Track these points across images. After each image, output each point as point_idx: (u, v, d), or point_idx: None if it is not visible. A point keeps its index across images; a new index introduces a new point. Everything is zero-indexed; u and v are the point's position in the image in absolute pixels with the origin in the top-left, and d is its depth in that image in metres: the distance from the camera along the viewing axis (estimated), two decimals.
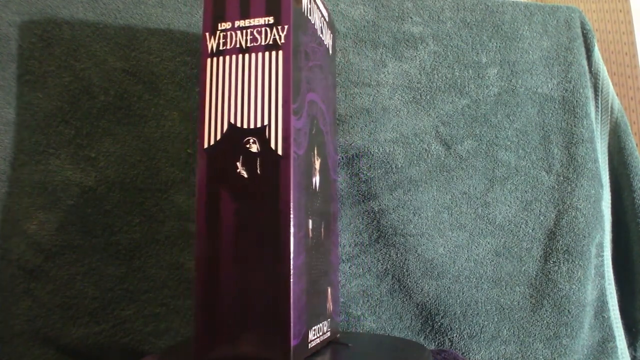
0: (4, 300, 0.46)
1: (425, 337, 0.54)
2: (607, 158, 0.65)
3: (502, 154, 0.59)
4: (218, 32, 0.37)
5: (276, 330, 0.32)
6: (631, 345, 0.61)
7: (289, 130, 0.35)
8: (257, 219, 0.34)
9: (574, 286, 0.57)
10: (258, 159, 0.35)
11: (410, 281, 0.54)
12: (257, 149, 0.35)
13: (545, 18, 0.65)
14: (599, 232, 0.60)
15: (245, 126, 0.35)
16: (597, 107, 0.65)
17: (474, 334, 0.54)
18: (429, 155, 0.58)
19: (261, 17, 0.37)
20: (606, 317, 0.59)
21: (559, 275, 0.57)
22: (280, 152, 0.35)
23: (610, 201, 0.64)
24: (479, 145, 0.59)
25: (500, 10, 0.64)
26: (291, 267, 0.33)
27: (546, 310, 0.56)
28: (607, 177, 0.64)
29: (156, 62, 0.53)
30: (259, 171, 0.34)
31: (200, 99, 0.36)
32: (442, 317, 0.54)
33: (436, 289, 0.55)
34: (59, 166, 0.49)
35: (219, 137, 0.35)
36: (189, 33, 0.54)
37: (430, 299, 0.55)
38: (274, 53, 0.37)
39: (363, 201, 0.55)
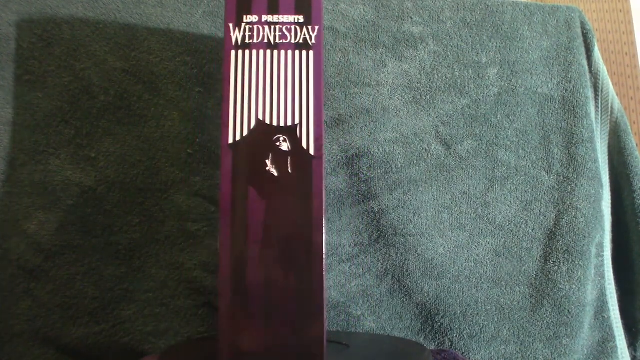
0: (4, 300, 0.46)
1: (425, 337, 0.54)
2: (607, 158, 0.65)
3: (502, 154, 0.59)
4: (243, 24, 0.36)
5: (309, 327, 0.32)
6: (631, 345, 0.61)
7: (321, 131, 0.35)
8: (288, 218, 0.34)
9: (574, 286, 0.57)
10: (289, 158, 0.34)
11: (410, 281, 0.54)
12: (288, 147, 0.35)
13: (545, 18, 0.65)
14: (599, 232, 0.60)
15: (274, 123, 0.35)
16: (597, 107, 0.65)
17: (474, 334, 0.54)
18: (429, 155, 0.58)
19: (290, 14, 0.37)
20: (606, 317, 0.59)
21: (559, 275, 0.57)
22: (312, 152, 0.35)
23: (610, 201, 0.64)
24: (479, 145, 0.59)
25: (500, 10, 0.64)
26: (324, 265, 0.33)
27: (546, 310, 0.56)
28: (607, 177, 0.64)
29: (156, 62, 0.53)
30: (290, 170, 0.34)
31: (224, 91, 0.35)
32: (442, 317, 0.54)
33: (436, 289, 0.55)
34: (59, 166, 0.49)
35: (245, 132, 0.34)
36: (189, 33, 0.54)
37: (430, 299, 0.55)
38: (304, 53, 0.36)
39: (363, 201, 0.55)
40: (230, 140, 0.34)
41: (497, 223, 0.58)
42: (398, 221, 0.55)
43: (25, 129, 0.49)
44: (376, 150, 0.56)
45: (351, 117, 0.56)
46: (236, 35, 0.36)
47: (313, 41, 0.37)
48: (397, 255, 0.55)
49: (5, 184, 0.48)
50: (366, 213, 0.55)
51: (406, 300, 0.55)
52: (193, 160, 0.52)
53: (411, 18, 0.61)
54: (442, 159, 0.58)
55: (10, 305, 0.46)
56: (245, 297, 0.32)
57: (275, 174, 0.34)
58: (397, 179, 0.56)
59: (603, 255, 0.61)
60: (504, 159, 0.59)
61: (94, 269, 0.48)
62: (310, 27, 0.37)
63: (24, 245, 0.47)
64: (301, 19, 0.37)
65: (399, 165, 0.57)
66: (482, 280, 0.56)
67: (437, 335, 0.54)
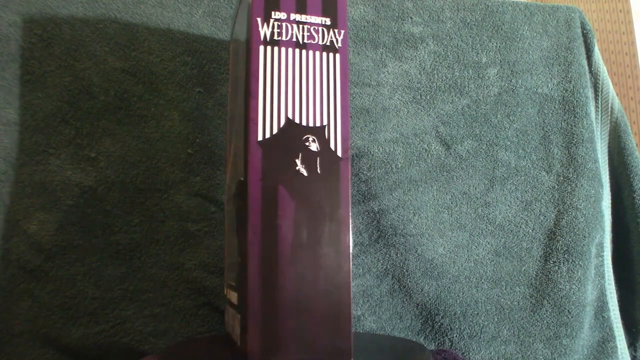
0: (4, 300, 0.46)
1: (425, 337, 0.54)
2: (607, 158, 0.65)
3: (502, 154, 0.59)
4: (272, 20, 0.35)
5: (338, 324, 0.33)
6: (631, 345, 0.61)
7: (348, 133, 0.35)
8: (317, 218, 0.34)
9: (574, 286, 0.57)
10: (318, 158, 0.34)
11: (410, 281, 0.54)
12: (317, 148, 0.35)
13: (545, 18, 0.65)
14: (599, 232, 0.60)
15: (304, 123, 0.34)
16: (597, 107, 0.65)
17: (474, 334, 0.54)
18: (429, 155, 0.58)
19: (318, 15, 0.37)
20: (606, 317, 0.59)
21: (559, 275, 0.57)
22: (339, 153, 0.35)
23: (610, 201, 0.64)
24: (479, 145, 0.59)
25: (500, 10, 0.64)
26: (350, 267, 0.33)
27: (546, 310, 0.56)
28: (607, 177, 0.64)
29: (156, 62, 0.53)
30: (319, 170, 0.34)
31: (252, 87, 0.34)
32: (442, 317, 0.54)
33: (436, 289, 0.55)
34: (59, 166, 0.49)
35: (275, 131, 0.34)
36: (189, 33, 0.54)
37: (430, 299, 0.55)
38: (331, 55, 0.36)
39: (363, 201, 0.55)
40: (260, 138, 0.33)
41: (497, 223, 0.58)
42: (398, 221, 0.55)
43: (25, 129, 0.49)
44: (376, 150, 0.56)
45: (351, 117, 0.56)
46: (264, 31, 0.35)
47: (339, 44, 0.37)
48: (397, 255, 0.55)
49: (5, 184, 0.48)
50: (366, 213, 0.55)
51: (406, 300, 0.55)
52: (193, 160, 0.52)
53: (411, 18, 0.61)
54: (442, 159, 0.58)
55: (10, 305, 0.46)
56: (275, 296, 0.32)
57: (305, 174, 0.34)
58: (397, 179, 0.56)
59: (603, 255, 0.61)
60: (504, 159, 0.59)
61: (94, 269, 0.48)
62: (336, 30, 0.37)
63: (24, 245, 0.47)
64: (328, 21, 0.37)
65: (399, 165, 0.57)
66: (482, 280, 0.56)
67: (437, 335, 0.54)
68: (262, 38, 0.34)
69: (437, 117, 0.59)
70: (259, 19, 0.35)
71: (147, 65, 0.53)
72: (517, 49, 0.63)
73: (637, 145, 0.65)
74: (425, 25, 0.61)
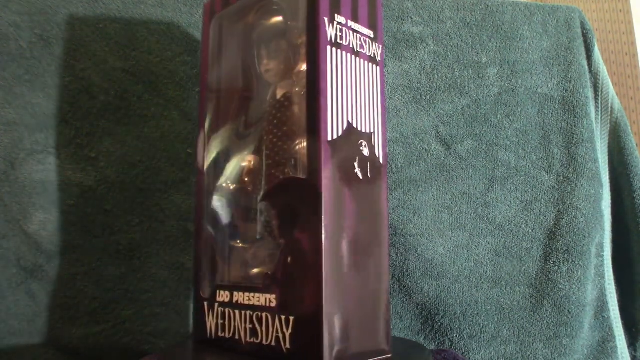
0: (4, 300, 0.46)
1: (425, 337, 0.54)
2: (607, 158, 0.65)
3: (502, 154, 0.59)
4: (335, 22, 0.35)
5: (380, 328, 0.34)
6: (631, 345, 0.61)
7: (386, 141, 0.36)
8: (367, 223, 0.34)
9: (574, 286, 0.57)
10: (368, 163, 0.35)
11: (410, 281, 0.54)
12: (367, 153, 0.35)
13: (545, 18, 0.65)
14: (599, 232, 0.60)
15: (359, 128, 0.35)
16: (597, 107, 0.65)
17: (474, 334, 0.54)
18: (429, 155, 0.58)
19: (365, 27, 0.37)
20: (606, 317, 0.59)
21: (559, 275, 0.57)
22: (381, 160, 0.36)
23: (610, 201, 0.64)
24: (479, 145, 0.59)
25: (500, 10, 0.64)
26: (388, 270, 0.35)
27: (546, 310, 0.56)
28: (607, 177, 0.64)
29: (156, 62, 0.53)
30: (369, 175, 0.35)
31: (321, 87, 0.33)
32: (442, 317, 0.54)
33: (436, 289, 0.55)
34: (59, 166, 0.49)
35: (340, 133, 0.34)
36: (189, 33, 0.54)
37: (430, 299, 0.55)
38: (373, 67, 0.37)
39: None
40: (330, 138, 0.33)
41: (497, 223, 0.58)
42: (398, 221, 0.55)
43: (25, 129, 0.49)
44: None
45: None
46: (330, 32, 0.35)
47: (379, 58, 0.38)
48: (397, 255, 0.55)
49: (5, 184, 0.48)
50: None
51: (406, 300, 0.55)
52: (193, 160, 0.52)
53: (411, 18, 0.61)
54: (442, 159, 0.58)
55: (10, 305, 0.46)
56: (343, 297, 0.32)
57: (360, 177, 0.35)
58: (397, 179, 0.56)
59: (603, 255, 0.61)
60: (504, 159, 0.59)
61: (94, 269, 0.48)
62: (377, 44, 0.38)
63: (24, 245, 0.47)
64: (372, 34, 0.38)
65: (399, 165, 0.57)
66: (482, 280, 0.56)
67: (437, 335, 0.54)
68: (328, 38, 0.34)
69: (437, 117, 0.59)
70: (326, 19, 0.34)
71: (147, 65, 0.53)
72: (517, 49, 0.63)
73: (637, 145, 0.65)
74: (425, 25, 0.61)
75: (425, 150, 0.58)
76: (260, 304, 0.35)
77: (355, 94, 0.35)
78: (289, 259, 0.34)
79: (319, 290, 0.31)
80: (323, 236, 0.32)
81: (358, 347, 0.33)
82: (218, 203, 0.42)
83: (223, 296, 0.39)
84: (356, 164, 0.34)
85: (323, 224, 0.32)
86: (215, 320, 0.39)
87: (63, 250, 0.48)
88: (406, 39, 0.60)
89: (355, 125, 0.35)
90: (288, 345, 0.33)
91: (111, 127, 0.51)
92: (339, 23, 0.35)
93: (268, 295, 0.35)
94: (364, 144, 0.35)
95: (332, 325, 0.31)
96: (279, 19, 0.41)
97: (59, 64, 0.50)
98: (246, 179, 0.42)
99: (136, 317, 0.49)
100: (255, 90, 0.45)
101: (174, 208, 0.51)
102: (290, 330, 0.33)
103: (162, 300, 0.49)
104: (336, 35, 0.35)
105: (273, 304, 0.34)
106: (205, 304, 0.40)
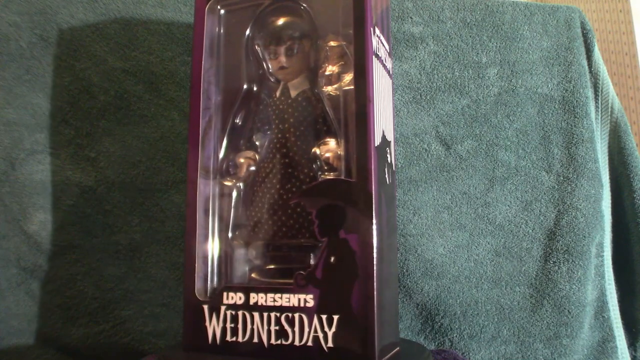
0: (4, 300, 0.46)
1: (425, 337, 0.54)
2: (607, 158, 0.65)
3: (502, 154, 0.59)
4: (375, 34, 0.35)
5: (397, 321, 0.38)
6: (631, 345, 0.61)
7: (394, 151, 0.38)
8: (391, 223, 0.36)
9: (574, 286, 0.57)
10: (390, 169, 0.37)
11: (410, 281, 0.54)
12: (389, 159, 0.37)
13: (545, 18, 0.65)
14: (599, 232, 0.60)
15: (387, 137, 0.36)
16: (597, 107, 0.65)
17: (474, 334, 0.54)
18: (429, 155, 0.58)
19: (387, 42, 0.38)
20: (606, 317, 0.59)
21: (559, 275, 0.57)
22: (394, 167, 0.38)
23: (610, 201, 0.64)
24: (479, 145, 0.59)
25: (500, 10, 0.64)
26: (397, 269, 0.37)
27: (546, 310, 0.56)
28: (607, 177, 0.64)
29: (156, 62, 0.53)
30: (390, 179, 0.36)
31: (370, 94, 0.34)
32: (442, 317, 0.54)
33: (436, 289, 0.55)
34: (59, 166, 0.49)
35: (380, 140, 0.35)
36: (189, 33, 0.54)
37: (430, 299, 0.55)
38: (389, 80, 0.38)
39: None
40: (376, 144, 0.34)
41: (497, 223, 0.58)
42: (398, 221, 0.55)
43: (25, 129, 0.49)
44: None
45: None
46: (374, 43, 0.35)
47: (391, 72, 0.38)
48: (397, 255, 0.55)
49: (5, 184, 0.48)
50: None
51: (406, 300, 0.55)
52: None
53: (411, 18, 0.61)
54: (442, 159, 0.58)
55: (10, 305, 0.46)
56: (384, 293, 0.34)
57: (387, 181, 0.36)
58: (397, 179, 0.56)
59: (603, 255, 0.61)
60: (504, 159, 0.59)
61: (94, 269, 0.49)
62: (390, 58, 0.39)
63: (24, 245, 0.47)
64: (388, 48, 0.38)
65: (399, 165, 0.57)
66: (482, 280, 0.56)
67: (437, 335, 0.54)
68: (372, 47, 0.35)
69: (437, 117, 0.59)
70: (371, 30, 0.35)
71: (147, 65, 0.53)
72: (517, 49, 0.63)
73: (637, 145, 0.65)
74: (425, 25, 0.61)
75: (425, 150, 0.58)
76: (291, 305, 0.34)
77: (384, 103, 0.37)
78: (332, 258, 0.33)
79: (371, 288, 0.32)
80: (374, 236, 0.32)
81: (387, 340, 0.34)
82: (218, 202, 0.42)
83: (234, 298, 0.37)
84: (385, 169, 0.36)
85: (374, 224, 0.32)
86: (221, 325, 0.37)
87: (63, 250, 0.48)
88: (406, 39, 0.60)
89: (384, 134, 0.36)
90: (330, 344, 0.33)
91: (111, 127, 0.51)
92: (377, 36, 0.36)
93: (303, 296, 0.34)
94: (388, 151, 0.37)
95: (379, 322, 0.32)
96: (303, 18, 0.40)
97: (59, 64, 0.51)
98: (248, 177, 0.42)
99: (136, 317, 0.49)
100: (257, 85, 0.43)
101: (174, 208, 0.51)
102: (333, 329, 0.33)
103: (162, 300, 0.49)
104: (376, 47, 0.35)
105: (310, 304, 0.34)
106: (205, 307, 0.37)
